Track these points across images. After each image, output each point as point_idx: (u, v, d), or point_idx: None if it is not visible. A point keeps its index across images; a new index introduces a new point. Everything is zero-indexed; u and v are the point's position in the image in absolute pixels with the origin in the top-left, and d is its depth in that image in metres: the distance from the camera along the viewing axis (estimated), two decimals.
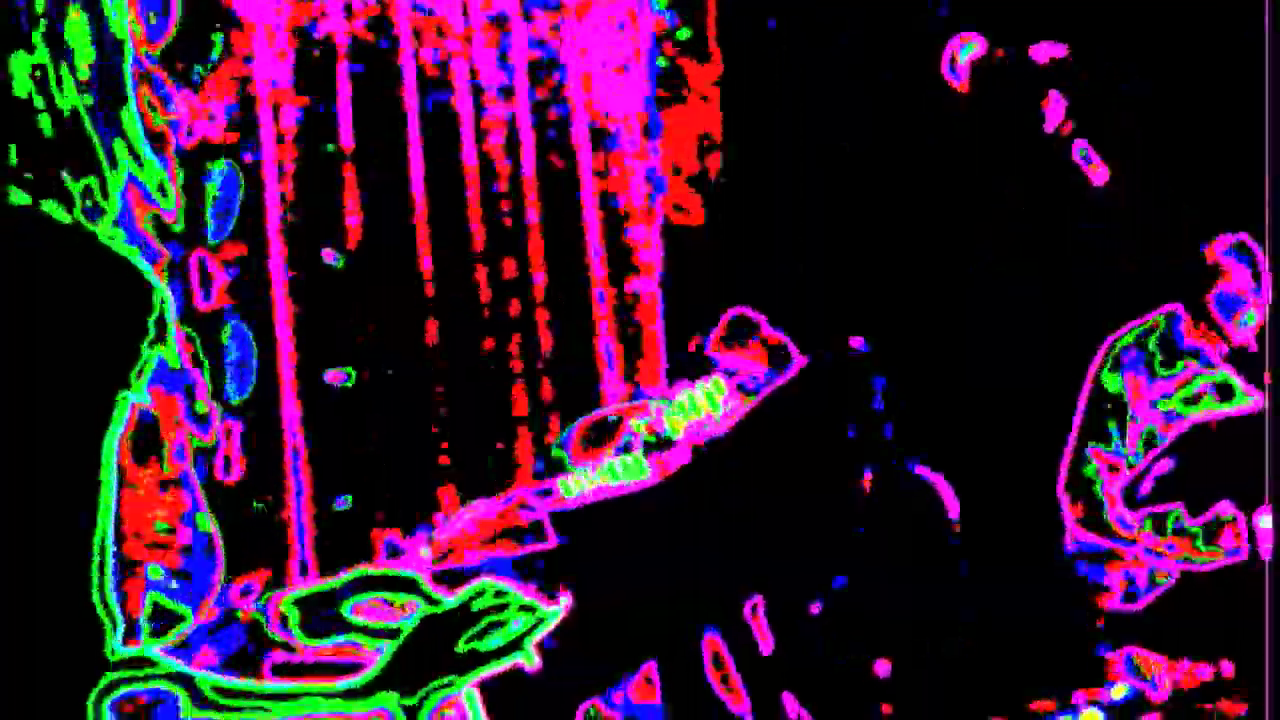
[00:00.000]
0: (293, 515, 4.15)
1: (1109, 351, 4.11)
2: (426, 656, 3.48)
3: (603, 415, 3.96)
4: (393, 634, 3.56)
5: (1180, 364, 4.07)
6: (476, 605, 3.54)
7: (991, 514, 3.85)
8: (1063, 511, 4.10)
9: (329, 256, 4.21)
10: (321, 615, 3.56)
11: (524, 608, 3.57)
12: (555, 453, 3.97)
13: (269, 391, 4.16)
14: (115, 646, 3.04)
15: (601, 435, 3.90)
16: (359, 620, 3.55)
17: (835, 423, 3.63)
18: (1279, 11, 3.71)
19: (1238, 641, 4.03)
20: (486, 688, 3.70)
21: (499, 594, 3.51)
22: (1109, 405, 4.13)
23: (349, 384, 4.28)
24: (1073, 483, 4.11)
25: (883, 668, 3.93)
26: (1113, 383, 4.13)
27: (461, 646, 3.50)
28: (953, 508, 3.68)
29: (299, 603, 3.60)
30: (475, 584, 3.53)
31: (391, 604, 3.63)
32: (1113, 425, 4.12)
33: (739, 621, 3.60)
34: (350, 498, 4.20)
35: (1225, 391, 4.13)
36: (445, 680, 3.46)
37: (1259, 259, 3.98)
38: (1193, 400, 4.14)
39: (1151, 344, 4.10)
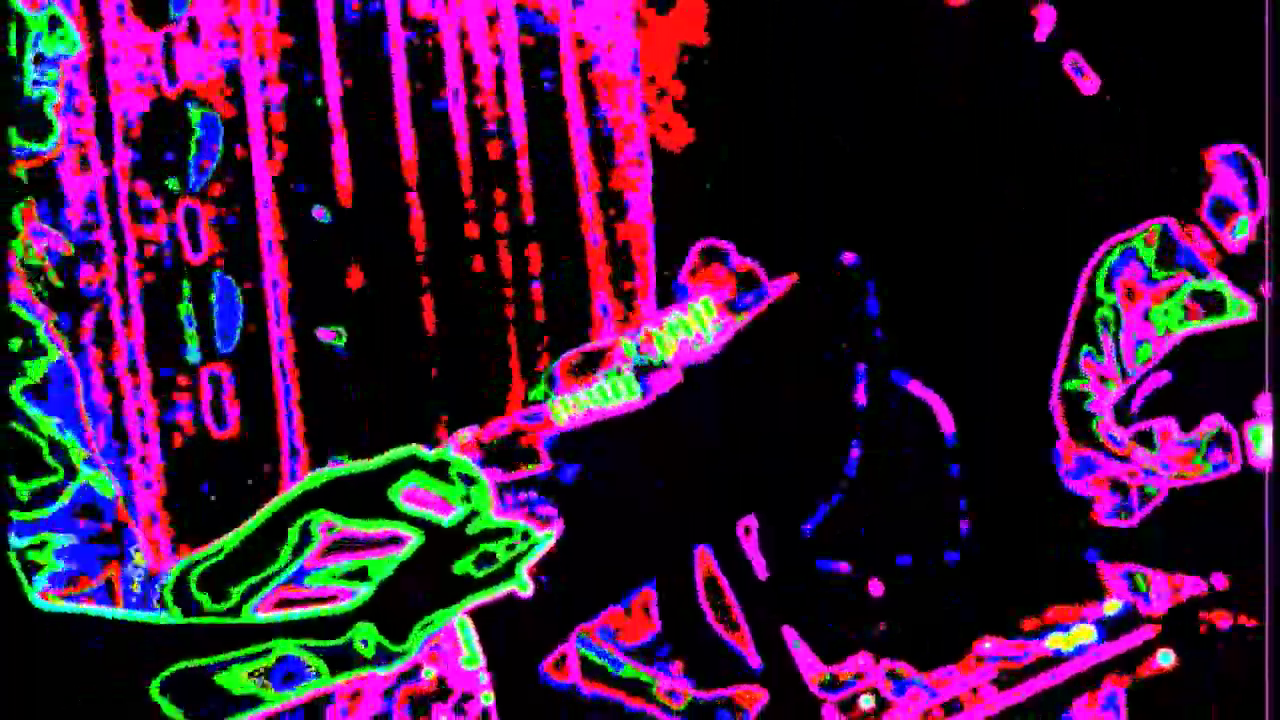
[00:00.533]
0: (285, 472, 4.10)
1: (1101, 260, 4.07)
2: (415, 587, 3.41)
3: (592, 347, 3.90)
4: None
5: (1173, 271, 4.04)
6: (474, 527, 3.47)
7: (986, 428, 3.82)
8: (1055, 424, 4.07)
9: (318, 214, 4.13)
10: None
11: (513, 533, 3.51)
12: (542, 385, 3.91)
13: (259, 346, 4.10)
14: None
15: (590, 363, 3.84)
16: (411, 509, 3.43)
17: (828, 338, 3.58)
18: (1279, 11, 3.66)
19: (1229, 555, 4.02)
20: (478, 616, 3.65)
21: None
22: (1100, 316, 4.10)
23: (340, 341, 4.21)
24: (1065, 395, 4.08)
25: (875, 587, 3.91)
26: (1105, 292, 4.10)
27: (456, 569, 3.43)
28: (947, 424, 3.64)
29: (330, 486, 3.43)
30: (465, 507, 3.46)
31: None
32: (1104, 335, 4.09)
33: (733, 543, 3.56)
34: (345, 455, 4.14)
35: (1216, 302, 4.10)
36: (431, 618, 3.39)
37: (1255, 169, 3.94)
38: (1184, 312, 4.11)
39: (1145, 252, 4.07)
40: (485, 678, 3.84)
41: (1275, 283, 3.75)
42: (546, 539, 3.45)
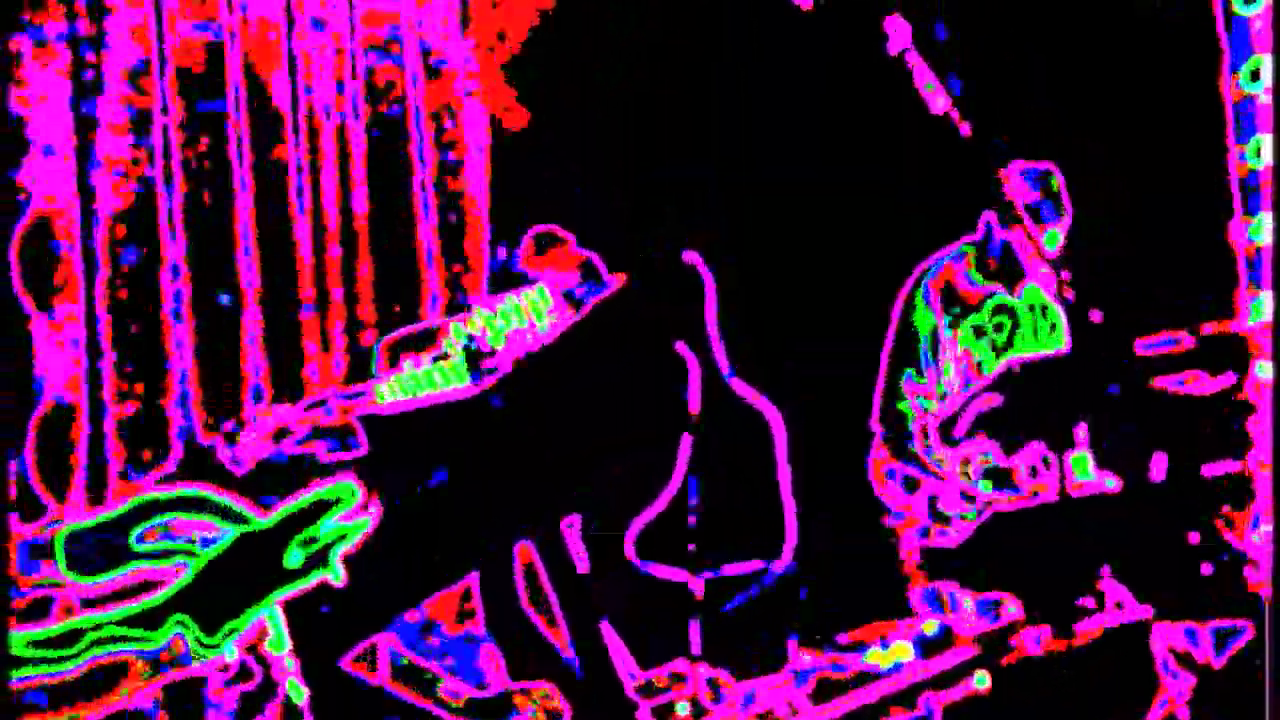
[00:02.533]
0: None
1: (918, 279, 4.08)
2: (230, 580, 3.32)
3: (416, 328, 3.79)
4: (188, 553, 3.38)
5: (989, 279, 4.07)
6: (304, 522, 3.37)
7: (815, 440, 3.78)
8: (876, 443, 4.06)
9: None
10: (100, 548, 3.36)
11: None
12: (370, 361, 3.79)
13: None
14: None
15: (412, 344, 3.72)
16: (148, 546, 3.36)
17: (662, 335, 3.51)
18: (1279, 11, 3.73)
19: (1040, 578, 4.05)
20: (291, 607, 3.51)
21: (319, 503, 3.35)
22: (918, 334, 4.10)
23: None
24: (885, 415, 4.07)
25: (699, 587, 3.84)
26: (922, 310, 4.10)
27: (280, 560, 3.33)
28: (779, 433, 3.59)
29: (72, 538, 3.40)
30: (299, 499, 3.35)
31: (187, 525, 3.43)
32: (922, 354, 4.09)
33: (557, 539, 3.47)
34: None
35: (1014, 322, 4.13)
36: (244, 614, 3.30)
37: (1059, 182, 3.99)
38: (981, 334, 4.14)
39: (969, 248, 4.09)
40: (292, 663, 3.71)
41: (1276, 283, 3.79)
42: (363, 525, 3.33)
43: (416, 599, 3.44)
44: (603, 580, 3.51)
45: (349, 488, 3.32)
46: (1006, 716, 3.78)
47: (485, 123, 4.21)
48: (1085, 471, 4.06)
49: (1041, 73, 4.06)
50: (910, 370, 4.08)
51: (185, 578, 3.12)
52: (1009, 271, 4.06)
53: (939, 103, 3.66)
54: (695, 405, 3.49)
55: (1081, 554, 4.05)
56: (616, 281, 3.51)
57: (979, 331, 4.14)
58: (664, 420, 3.53)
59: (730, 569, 3.63)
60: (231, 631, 3.18)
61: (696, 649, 3.66)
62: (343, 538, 3.22)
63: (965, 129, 3.64)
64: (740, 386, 3.60)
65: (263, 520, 3.22)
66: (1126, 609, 3.98)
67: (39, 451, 3.90)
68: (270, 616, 3.80)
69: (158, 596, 3.22)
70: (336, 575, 3.16)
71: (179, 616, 3.15)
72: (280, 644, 3.86)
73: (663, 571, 3.60)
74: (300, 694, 3.88)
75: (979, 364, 4.15)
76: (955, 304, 4.11)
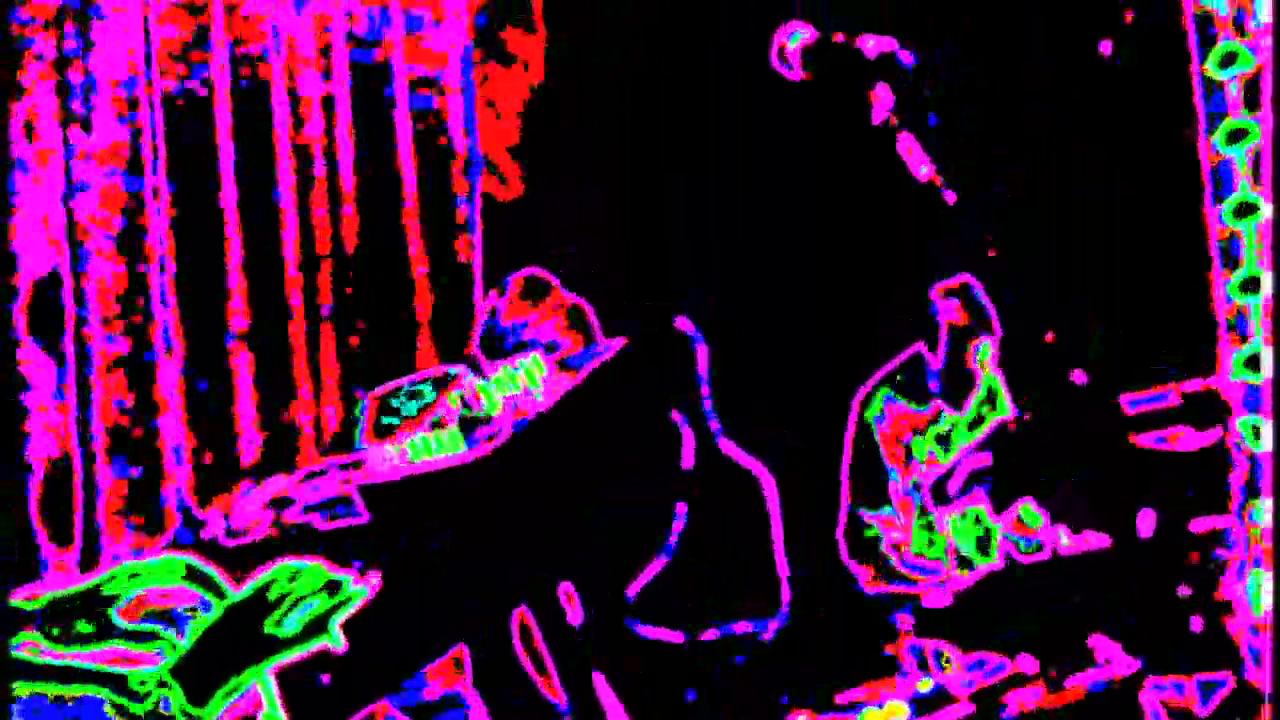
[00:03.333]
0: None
1: (862, 404, 4.09)
2: (219, 651, 3.33)
3: (398, 385, 3.83)
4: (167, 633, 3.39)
5: (926, 404, 4.10)
6: (273, 592, 3.38)
7: (808, 502, 3.83)
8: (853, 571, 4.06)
9: None
10: (83, 619, 3.37)
11: (328, 586, 3.42)
12: (353, 422, 3.83)
13: None
14: None
15: (398, 407, 3.76)
16: (130, 626, 3.37)
17: (657, 402, 3.57)
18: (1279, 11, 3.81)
19: (1038, 636, 4.09)
20: (286, 677, 3.54)
21: (294, 576, 3.36)
22: (873, 462, 4.10)
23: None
24: (855, 547, 4.06)
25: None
26: (870, 436, 4.10)
27: (264, 629, 3.34)
28: (771, 494, 3.64)
29: (53, 606, 3.40)
30: (270, 570, 3.37)
31: (168, 594, 3.45)
32: (878, 480, 4.10)
33: (552, 605, 3.51)
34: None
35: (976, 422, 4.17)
36: (235, 681, 3.31)
37: (981, 300, 4.04)
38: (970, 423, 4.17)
39: (898, 388, 4.12)
40: None
41: (1276, 281, 3.85)
42: (361, 594, 3.37)
43: (415, 666, 3.47)
44: (598, 643, 3.55)
45: (317, 570, 3.35)
46: None
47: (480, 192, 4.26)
48: (1035, 521, 4.11)
49: (1026, 130, 4.13)
50: (868, 506, 4.08)
51: (172, 656, 3.14)
52: (953, 391, 4.09)
53: (922, 171, 3.74)
54: (688, 466, 3.54)
55: (1071, 611, 4.11)
56: (611, 346, 3.57)
57: (941, 439, 4.15)
58: (658, 484, 3.58)
59: (725, 630, 3.67)
60: (225, 697, 3.20)
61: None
62: (344, 603, 3.25)
63: (950, 197, 3.71)
64: (732, 449, 3.65)
65: (236, 593, 3.25)
66: (1115, 664, 4.03)
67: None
68: (264, 689, 3.82)
69: (141, 672, 3.23)
70: (336, 642, 3.19)
71: (166, 685, 3.16)
72: (275, 717, 3.89)
73: (657, 634, 3.64)
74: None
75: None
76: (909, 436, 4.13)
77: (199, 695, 3.21)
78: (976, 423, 4.11)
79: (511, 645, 3.55)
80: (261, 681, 3.73)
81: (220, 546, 3.70)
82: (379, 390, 3.79)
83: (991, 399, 4.15)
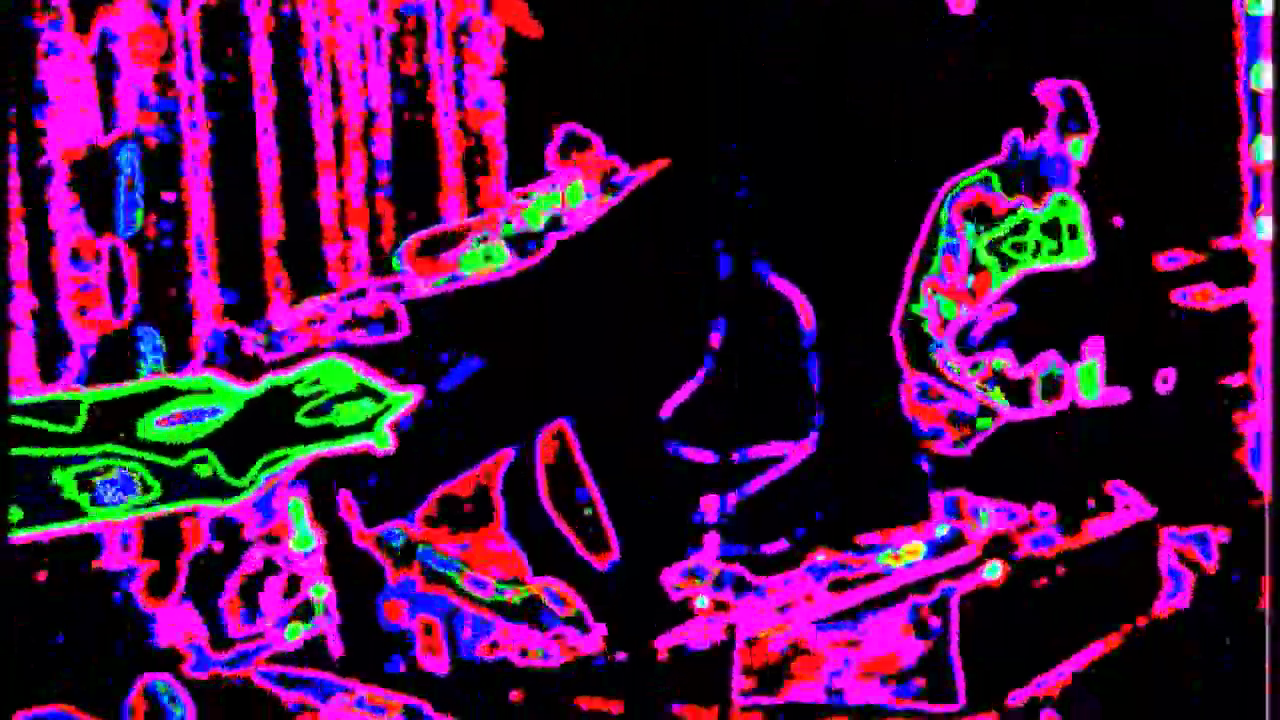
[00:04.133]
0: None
1: (949, 192, 4.17)
2: (257, 428, 3.36)
3: (442, 229, 3.87)
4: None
5: (1017, 194, 4.16)
6: (303, 389, 3.43)
7: (843, 335, 3.87)
8: (896, 351, 4.14)
9: None
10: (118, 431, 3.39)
11: (372, 393, 3.47)
12: (394, 265, 3.86)
13: None
14: None
15: (439, 245, 3.80)
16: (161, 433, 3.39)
17: (698, 221, 3.61)
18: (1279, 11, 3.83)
19: (1055, 486, 4.16)
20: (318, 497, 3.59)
21: (338, 371, 3.40)
22: (943, 243, 4.18)
23: None
24: (905, 321, 4.16)
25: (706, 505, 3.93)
26: (945, 224, 4.19)
27: (303, 420, 3.38)
28: (807, 319, 3.69)
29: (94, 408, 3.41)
30: (317, 363, 3.42)
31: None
32: (943, 262, 4.17)
33: (595, 420, 3.56)
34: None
35: (1053, 229, 4.22)
36: (274, 455, 3.34)
37: (1082, 96, 4.10)
38: (1023, 247, 4.23)
39: (993, 179, 4.18)
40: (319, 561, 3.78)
41: (1277, 277, 3.90)
42: (407, 399, 3.42)
43: (454, 473, 3.52)
44: (633, 461, 3.60)
45: (345, 369, 3.38)
46: (1017, 606, 3.89)
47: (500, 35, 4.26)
48: (1093, 386, 4.17)
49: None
50: (935, 272, 4.16)
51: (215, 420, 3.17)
52: (1034, 184, 4.17)
53: (964, 2, 3.77)
54: (727, 288, 3.58)
55: (1091, 461, 4.17)
56: (654, 168, 3.60)
57: (994, 247, 4.24)
58: (696, 304, 3.62)
59: (756, 451, 3.73)
60: (263, 469, 3.24)
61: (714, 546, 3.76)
62: (389, 408, 3.30)
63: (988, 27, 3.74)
64: (770, 275, 3.70)
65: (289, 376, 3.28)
66: (1134, 510, 4.10)
67: None
68: (296, 510, 3.88)
69: (181, 430, 3.25)
70: (383, 441, 3.24)
71: (201, 452, 3.19)
72: (306, 541, 3.95)
73: (692, 454, 3.70)
74: (322, 590, 3.96)
75: (990, 278, 4.25)
76: (981, 219, 4.21)
77: (237, 465, 3.25)
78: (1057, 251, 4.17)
79: (536, 483, 3.60)
80: (294, 504, 3.78)
81: (260, 362, 3.74)
82: (419, 234, 3.82)
83: (1072, 232, 4.21)
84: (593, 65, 4.00)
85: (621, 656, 3.55)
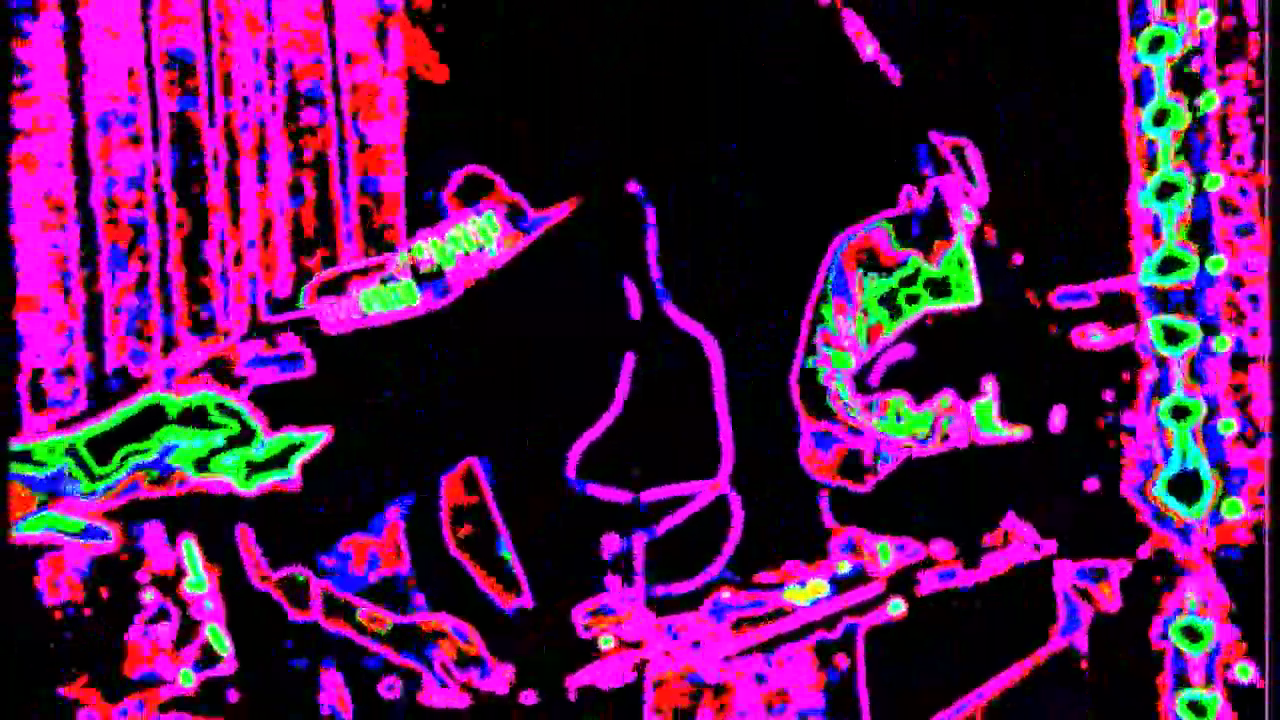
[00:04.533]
0: None
1: (841, 244, 4.22)
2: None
3: (351, 266, 3.85)
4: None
5: (910, 247, 4.23)
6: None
7: (746, 376, 3.91)
8: (793, 399, 4.17)
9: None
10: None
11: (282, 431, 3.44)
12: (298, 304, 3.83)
13: None
14: None
15: (340, 285, 3.78)
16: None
17: (607, 263, 3.62)
18: (1279, 11, 3.93)
19: (953, 522, 4.22)
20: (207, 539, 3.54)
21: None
22: (836, 295, 4.23)
23: None
24: (802, 371, 4.20)
25: (609, 543, 3.93)
26: (837, 273, 4.24)
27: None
28: (716, 360, 3.72)
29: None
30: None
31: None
32: (833, 312, 4.21)
33: (507, 458, 3.55)
34: None
35: (942, 287, 4.30)
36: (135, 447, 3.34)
37: (971, 158, 4.19)
38: (914, 299, 4.30)
39: (887, 227, 4.25)
40: (211, 605, 3.73)
41: (1274, 272, 3.98)
42: (316, 440, 3.39)
43: (363, 518, 3.49)
44: (542, 501, 3.59)
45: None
46: (921, 641, 3.94)
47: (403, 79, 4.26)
48: (988, 423, 4.25)
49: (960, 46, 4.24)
50: (825, 324, 4.21)
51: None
52: (928, 237, 4.23)
53: (868, 50, 3.83)
54: (636, 329, 3.59)
55: (988, 497, 4.25)
56: (565, 208, 3.61)
57: (886, 299, 4.29)
58: (606, 344, 3.63)
59: (665, 491, 3.74)
60: (125, 459, 3.21)
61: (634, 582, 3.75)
62: (300, 445, 3.27)
63: (895, 76, 3.82)
64: (677, 315, 3.72)
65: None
66: (1030, 546, 4.18)
67: None
68: (188, 551, 3.82)
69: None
70: (290, 474, 3.20)
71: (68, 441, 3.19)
72: (201, 584, 3.88)
73: (602, 493, 3.70)
74: (218, 633, 3.90)
75: (882, 328, 4.31)
76: (873, 268, 4.27)
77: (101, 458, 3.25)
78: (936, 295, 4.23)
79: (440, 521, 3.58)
80: (186, 545, 3.72)
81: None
82: (324, 274, 3.79)
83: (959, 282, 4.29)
84: (500, 104, 4.01)
85: (529, 697, 3.54)
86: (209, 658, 3.91)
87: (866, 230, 4.23)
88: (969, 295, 4.31)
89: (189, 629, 3.91)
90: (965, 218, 4.23)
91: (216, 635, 3.89)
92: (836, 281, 4.17)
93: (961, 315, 4.33)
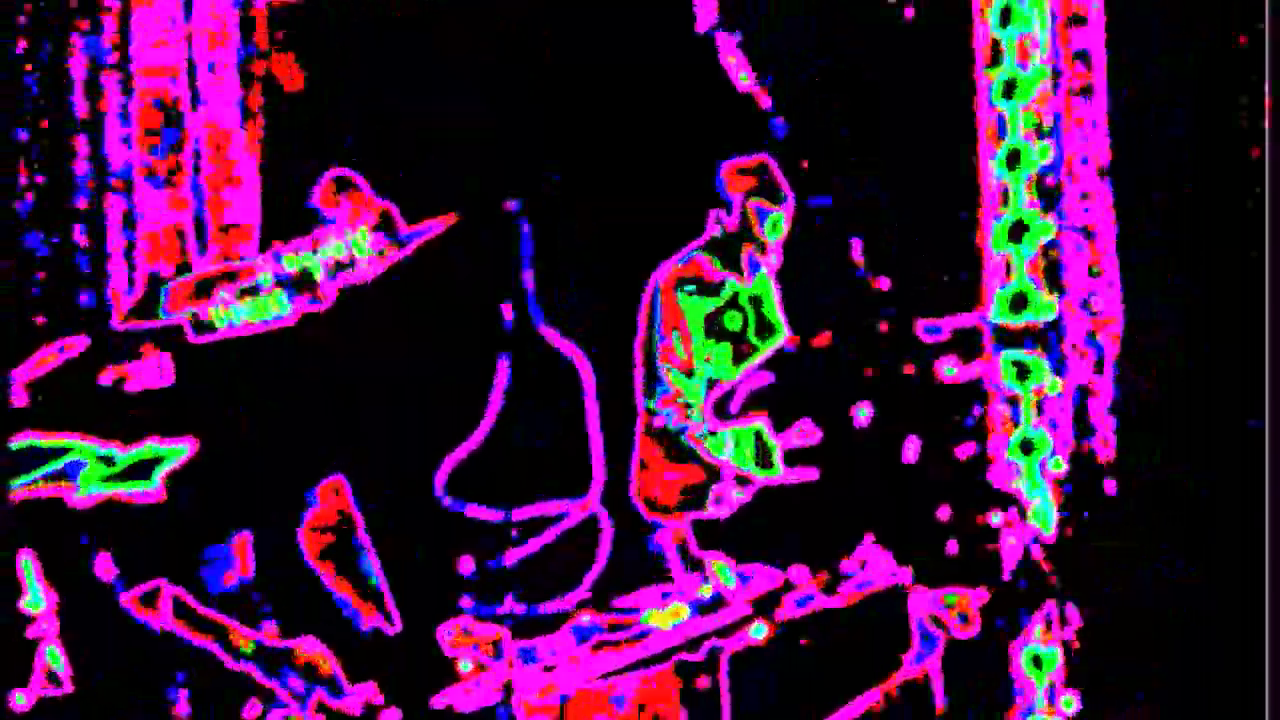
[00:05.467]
0: None
1: (654, 291, 4.22)
2: None
3: (213, 270, 3.77)
4: None
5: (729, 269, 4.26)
6: None
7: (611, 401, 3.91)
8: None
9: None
10: None
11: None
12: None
13: None
14: None
15: (202, 290, 3.70)
16: None
17: (481, 277, 3.60)
18: (1279, 11, 4.03)
19: (807, 546, 4.27)
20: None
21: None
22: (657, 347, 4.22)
23: None
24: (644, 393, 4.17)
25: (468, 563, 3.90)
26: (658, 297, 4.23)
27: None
28: (588, 380, 3.72)
29: None
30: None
31: None
32: (662, 333, 4.21)
33: (367, 471, 3.50)
34: None
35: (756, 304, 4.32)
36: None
37: (774, 172, 4.24)
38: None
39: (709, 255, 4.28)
40: (48, 625, 3.63)
41: (1276, 277, 4.05)
42: (180, 452, 3.31)
43: (225, 533, 3.41)
44: (410, 519, 3.55)
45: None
46: (782, 663, 3.97)
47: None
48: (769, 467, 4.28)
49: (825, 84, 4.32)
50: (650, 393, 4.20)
51: None
52: (738, 260, 4.26)
53: (744, 79, 3.89)
54: (508, 346, 3.58)
55: (845, 526, 4.30)
56: (441, 223, 3.59)
57: (710, 321, 4.29)
58: (479, 361, 3.61)
59: (537, 509, 3.72)
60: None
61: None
62: (161, 459, 3.20)
63: (766, 103, 3.87)
64: (550, 334, 3.71)
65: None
66: (887, 572, 4.24)
67: None
68: (26, 569, 3.69)
69: None
70: (152, 485, 3.13)
71: None
72: (38, 602, 3.75)
73: (473, 511, 3.66)
74: (56, 655, 3.77)
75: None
76: (701, 289, 4.27)
77: None
78: (747, 352, 4.26)
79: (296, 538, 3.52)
80: (25, 564, 3.61)
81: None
82: (186, 278, 3.71)
83: (769, 327, 4.32)
84: (367, 116, 3.98)
85: (393, 716, 3.48)
86: (49, 678, 3.78)
87: (684, 261, 4.24)
88: (779, 332, 4.32)
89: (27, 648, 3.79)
90: (772, 232, 4.26)
91: (54, 655, 3.76)
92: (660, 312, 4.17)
93: (824, 346, 4.39)
